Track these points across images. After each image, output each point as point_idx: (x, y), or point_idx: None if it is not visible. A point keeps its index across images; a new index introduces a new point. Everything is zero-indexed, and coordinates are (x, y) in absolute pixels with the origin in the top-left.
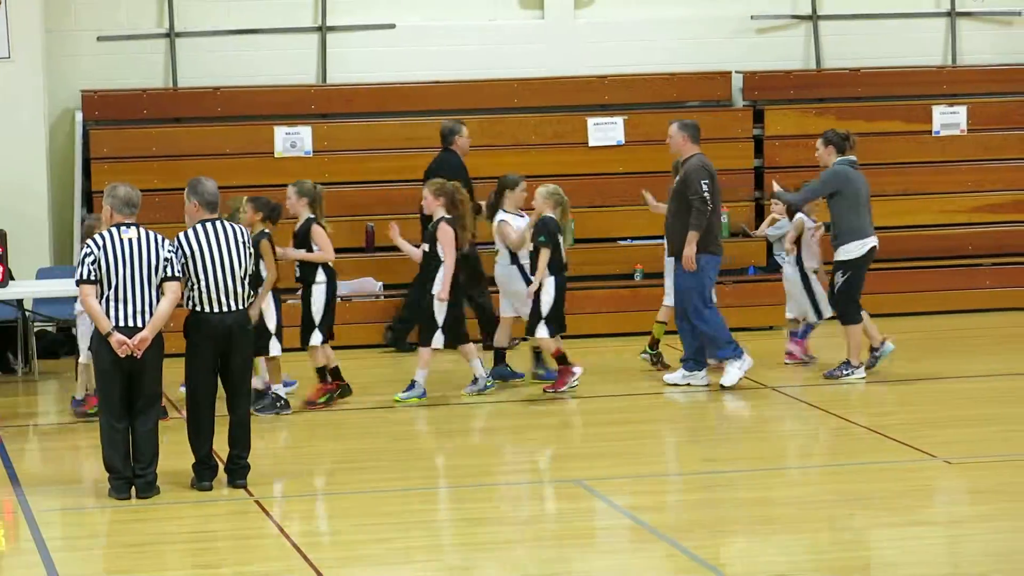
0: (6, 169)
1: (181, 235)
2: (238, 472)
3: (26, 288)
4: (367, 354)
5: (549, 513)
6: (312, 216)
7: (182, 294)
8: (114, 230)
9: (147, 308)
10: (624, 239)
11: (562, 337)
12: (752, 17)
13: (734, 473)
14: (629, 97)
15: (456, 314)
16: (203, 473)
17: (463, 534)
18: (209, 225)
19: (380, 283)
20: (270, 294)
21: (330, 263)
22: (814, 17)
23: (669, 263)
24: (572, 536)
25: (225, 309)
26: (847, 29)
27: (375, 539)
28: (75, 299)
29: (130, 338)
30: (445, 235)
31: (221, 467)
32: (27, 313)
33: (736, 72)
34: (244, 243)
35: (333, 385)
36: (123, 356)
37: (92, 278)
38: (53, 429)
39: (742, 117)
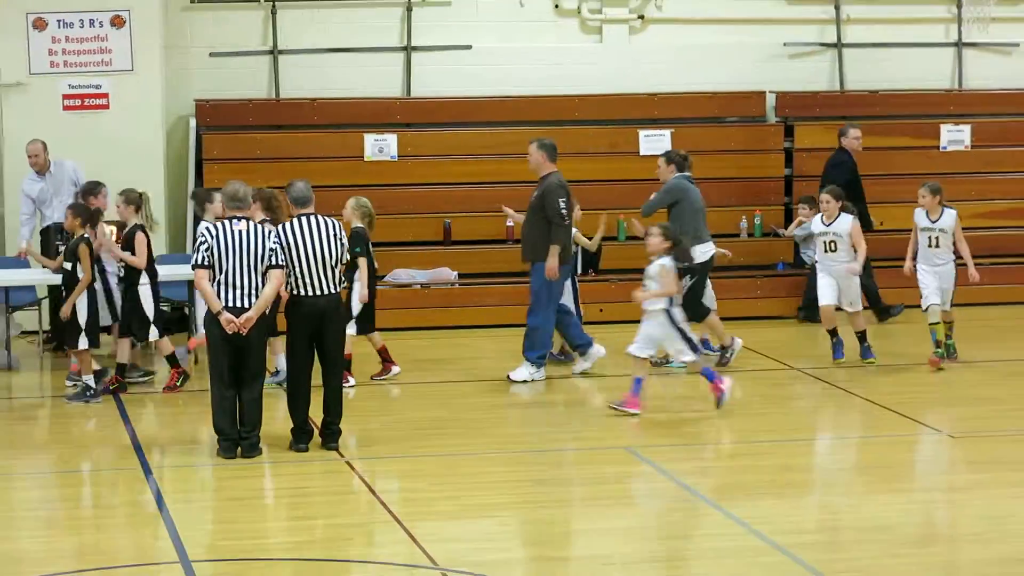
0: (129, 168)
1: (280, 227)
2: (331, 436)
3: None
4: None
5: (602, 476)
6: (139, 223)
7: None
8: (226, 222)
9: (253, 292)
10: None
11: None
12: (784, 44)
13: (764, 443)
14: (676, 112)
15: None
16: (300, 437)
17: (527, 493)
18: (304, 219)
19: (455, 273)
20: (84, 293)
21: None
22: (839, 45)
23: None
24: (623, 496)
25: (319, 293)
26: (867, 56)
27: (450, 496)
28: (189, 282)
29: (237, 318)
30: None
31: (316, 432)
32: None
33: (770, 92)
34: (336, 234)
35: (180, 369)
36: (231, 333)
37: (206, 263)
38: (168, 396)
39: (775, 132)
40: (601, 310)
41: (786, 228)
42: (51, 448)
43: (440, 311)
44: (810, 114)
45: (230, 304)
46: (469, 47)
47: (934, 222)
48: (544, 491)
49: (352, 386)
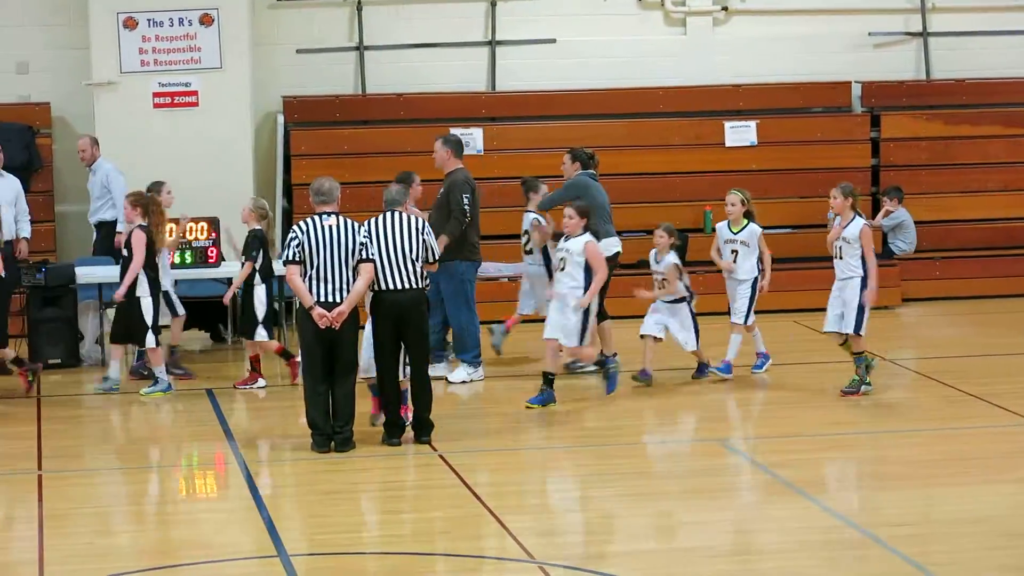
0: (219, 164)
1: (365, 223)
2: (423, 429)
3: (235, 268)
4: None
5: (696, 468)
6: None
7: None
8: (316, 218)
9: (345, 286)
10: None
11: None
12: (869, 33)
13: (857, 435)
14: (761, 103)
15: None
16: (392, 430)
17: (622, 486)
18: (389, 215)
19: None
20: None
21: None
22: (924, 34)
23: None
24: (717, 488)
25: (400, 287)
26: (954, 45)
27: (545, 490)
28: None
29: (329, 312)
30: (137, 240)
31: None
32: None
33: (855, 82)
34: (419, 230)
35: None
36: (323, 328)
37: (297, 259)
38: (259, 390)
39: (860, 122)
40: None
41: (873, 218)
42: (146, 443)
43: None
44: (896, 104)
45: (322, 299)
46: (553, 41)
47: (843, 229)
48: (638, 484)
49: (263, 387)
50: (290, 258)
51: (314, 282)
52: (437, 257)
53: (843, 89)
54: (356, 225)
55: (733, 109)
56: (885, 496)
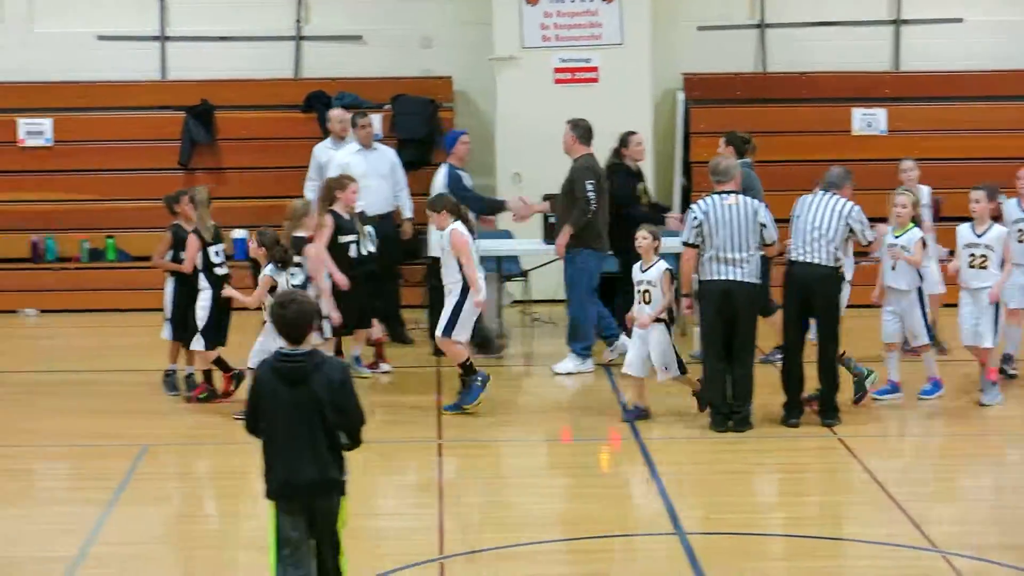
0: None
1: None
2: (828, 412)
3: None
4: None
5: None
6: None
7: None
8: (716, 197)
9: (744, 266)
10: None
11: None
12: None
13: None
14: None
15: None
16: (792, 412)
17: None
18: (820, 195)
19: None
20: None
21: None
22: None
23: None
24: None
25: (810, 260)
26: None
27: (947, 477)
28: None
29: (728, 288)
30: None
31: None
32: None
33: None
34: (843, 214)
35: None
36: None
37: (695, 243)
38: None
39: None
40: None
41: None
42: (543, 416)
43: None
44: None
45: (722, 277)
46: (960, 20)
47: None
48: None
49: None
50: (689, 240)
51: (713, 262)
52: (871, 240)
53: None
54: (757, 204)
55: None
56: None
